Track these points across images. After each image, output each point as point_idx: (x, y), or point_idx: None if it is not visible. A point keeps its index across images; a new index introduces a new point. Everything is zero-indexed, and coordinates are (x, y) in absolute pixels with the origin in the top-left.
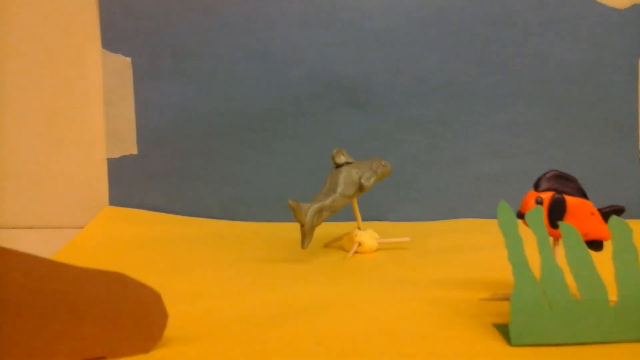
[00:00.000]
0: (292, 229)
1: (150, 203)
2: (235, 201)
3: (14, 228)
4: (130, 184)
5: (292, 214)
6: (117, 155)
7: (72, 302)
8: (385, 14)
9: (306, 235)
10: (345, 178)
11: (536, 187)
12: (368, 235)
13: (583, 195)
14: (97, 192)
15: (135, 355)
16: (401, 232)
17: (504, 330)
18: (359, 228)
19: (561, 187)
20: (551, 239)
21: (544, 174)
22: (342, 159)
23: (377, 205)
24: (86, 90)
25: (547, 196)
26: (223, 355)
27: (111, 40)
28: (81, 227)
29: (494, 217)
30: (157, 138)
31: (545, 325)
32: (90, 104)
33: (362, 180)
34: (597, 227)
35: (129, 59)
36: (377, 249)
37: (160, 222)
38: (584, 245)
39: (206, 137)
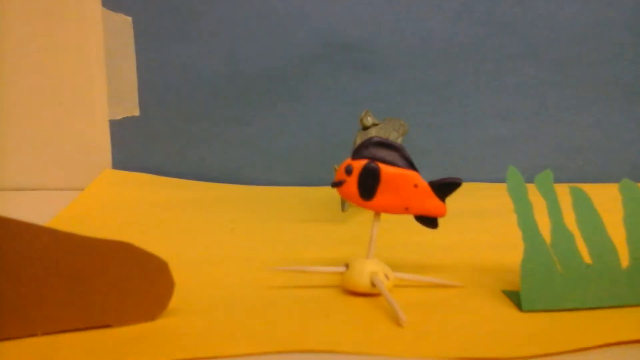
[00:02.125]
0: (295, 193)
1: (153, 165)
2: (239, 164)
3: (16, 190)
4: (133, 146)
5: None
6: (119, 117)
7: (76, 271)
8: None
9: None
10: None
11: (353, 155)
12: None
13: (410, 165)
14: (99, 154)
15: (141, 323)
16: None
17: (513, 297)
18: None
19: (382, 156)
20: (372, 213)
21: (364, 141)
22: (369, 120)
23: None
24: (87, 50)
25: (359, 164)
26: (227, 327)
27: None
28: (81, 189)
29: (500, 180)
30: (160, 99)
31: (556, 291)
32: (91, 64)
33: None
34: (423, 201)
35: (130, 18)
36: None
37: (162, 186)
38: (595, 209)
39: (209, 99)
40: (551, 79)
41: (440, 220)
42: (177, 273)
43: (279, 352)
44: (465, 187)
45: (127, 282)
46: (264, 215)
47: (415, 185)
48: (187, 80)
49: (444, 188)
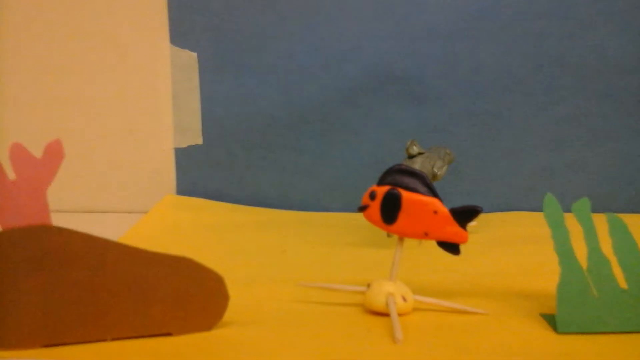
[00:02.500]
0: (345, 219)
1: (213, 191)
2: (292, 190)
3: (87, 212)
4: (196, 172)
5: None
6: (183, 145)
7: (141, 283)
8: (440, 7)
9: None
10: (421, 169)
11: (379, 181)
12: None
13: (431, 192)
14: (164, 179)
15: (198, 332)
16: None
17: (550, 320)
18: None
19: (404, 183)
20: (396, 237)
21: (389, 168)
22: (415, 149)
23: None
24: (156, 83)
25: (382, 190)
26: (279, 338)
27: (179, 36)
28: (144, 212)
29: None
30: (221, 129)
31: (591, 314)
32: (159, 96)
33: (435, 169)
34: (442, 227)
35: (195, 54)
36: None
37: (219, 210)
38: (631, 235)
39: (266, 129)
40: (600, 110)
41: (486, 247)
42: (231, 289)
43: None
44: (513, 215)
45: (186, 294)
46: (314, 239)
47: (435, 212)
48: (246, 112)
49: (464, 215)
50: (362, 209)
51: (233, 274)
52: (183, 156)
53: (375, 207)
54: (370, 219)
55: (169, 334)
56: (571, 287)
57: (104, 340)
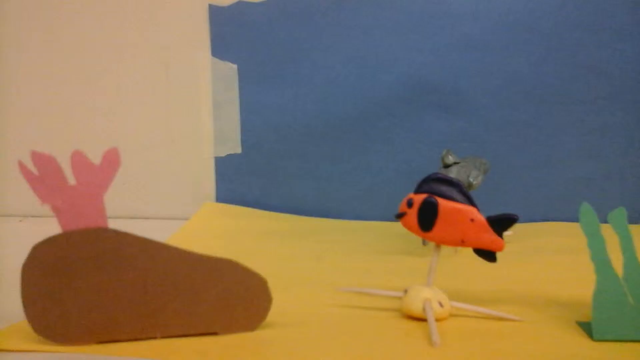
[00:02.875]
0: (380, 227)
1: (251, 199)
2: (328, 199)
3: (131, 218)
4: (235, 180)
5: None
6: (223, 154)
7: (190, 284)
8: (476, 19)
9: None
10: (457, 178)
11: (415, 189)
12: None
13: (468, 200)
14: (205, 187)
15: (242, 332)
16: None
17: (587, 328)
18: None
19: (442, 191)
20: (432, 244)
21: (426, 177)
22: (450, 159)
23: None
24: (197, 94)
25: (419, 198)
26: (319, 340)
27: (220, 49)
28: (186, 219)
29: None
30: (259, 139)
31: (627, 322)
32: (200, 106)
33: (471, 179)
34: (479, 235)
35: (235, 66)
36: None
37: (256, 218)
38: None
39: (303, 138)
40: (637, 119)
41: (522, 256)
42: (273, 293)
43: None
44: (549, 226)
45: (231, 296)
46: (349, 247)
47: (472, 220)
48: (283, 122)
49: (500, 223)
50: (400, 216)
51: (273, 279)
52: (223, 165)
53: (412, 214)
54: (407, 226)
55: (214, 334)
56: (607, 295)
57: (154, 337)
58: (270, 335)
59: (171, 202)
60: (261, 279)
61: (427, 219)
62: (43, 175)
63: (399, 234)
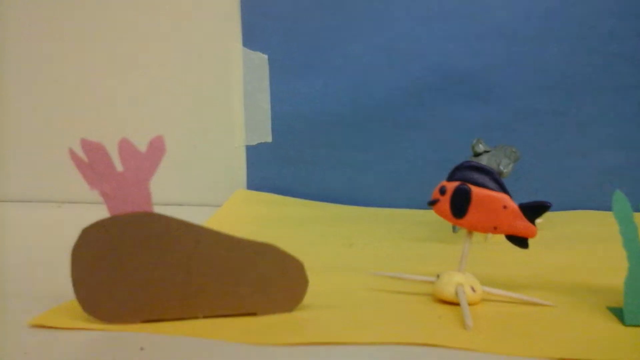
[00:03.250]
0: (410, 215)
1: (283, 186)
2: (358, 186)
3: (165, 204)
4: (265, 168)
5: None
6: (254, 142)
7: (230, 266)
8: (506, 7)
9: None
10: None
11: (449, 177)
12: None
13: (501, 188)
14: (236, 175)
15: (280, 313)
16: None
17: (618, 313)
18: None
19: (474, 179)
20: (463, 231)
21: (459, 165)
22: (481, 147)
23: None
24: (229, 84)
25: (452, 186)
26: (354, 319)
27: (251, 38)
28: (218, 205)
29: None
30: (290, 127)
31: None
32: (232, 96)
33: (501, 167)
34: (511, 222)
35: (266, 56)
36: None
37: (287, 205)
38: None
39: (333, 127)
40: None
41: (553, 244)
42: (308, 276)
43: (390, 344)
44: (580, 214)
45: (270, 278)
46: (380, 234)
47: (504, 207)
48: (314, 110)
49: (533, 210)
50: (433, 203)
51: (307, 263)
52: (254, 153)
53: (445, 201)
54: (440, 212)
55: (253, 314)
56: (639, 281)
57: (196, 317)
58: (307, 316)
59: (204, 189)
60: (298, 262)
61: (460, 205)
62: (92, 162)
63: (428, 221)
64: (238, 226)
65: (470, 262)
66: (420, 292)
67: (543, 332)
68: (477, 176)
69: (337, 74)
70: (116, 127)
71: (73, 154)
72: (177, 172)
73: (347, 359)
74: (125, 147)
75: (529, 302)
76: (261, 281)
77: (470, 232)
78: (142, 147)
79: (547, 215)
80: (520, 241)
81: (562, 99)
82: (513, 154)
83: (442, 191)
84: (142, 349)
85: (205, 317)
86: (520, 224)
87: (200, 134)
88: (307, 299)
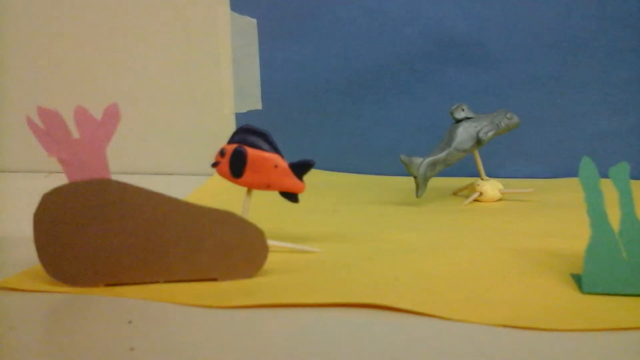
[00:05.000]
0: (401, 182)
1: None
2: (349, 154)
3: (154, 174)
4: None
5: (405, 168)
6: (244, 110)
7: (190, 233)
8: None
9: (419, 186)
10: (462, 132)
11: (229, 140)
12: (490, 185)
13: (273, 149)
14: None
15: (240, 279)
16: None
17: (579, 280)
18: (482, 179)
19: (250, 141)
20: (245, 189)
21: (238, 128)
22: (461, 114)
23: (486, 161)
24: (216, 49)
25: (230, 148)
26: (310, 283)
27: (239, 3)
28: (210, 175)
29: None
30: (280, 94)
31: (619, 276)
32: (220, 62)
33: (480, 134)
34: (282, 179)
35: (255, 20)
36: (500, 199)
37: None
38: None
39: (324, 94)
40: None
41: (536, 211)
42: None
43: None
44: (570, 181)
45: (230, 244)
46: (366, 200)
47: (276, 166)
48: (304, 77)
49: (300, 168)
50: (215, 165)
51: (283, 231)
52: (243, 121)
53: (225, 163)
54: (221, 173)
55: (214, 279)
56: (600, 249)
57: (157, 282)
58: (265, 281)
59: (193, 158)
60: (257, 229)
61: (237, 166)
62: (49, 129)
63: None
64: (228, 193)
65: (447, 228)
66: (377, 254)
67: (493, 297)
68: (253, 138)
69: (328, 39)
70: (99, 95)
71: (30, 122)
72: (165, 140)
73: (293, 319)
74: (81, 114)
75: (299, 250)
76: (221, 248)
77: (249, 190)
78: (131, 116)
79: (540, 182)
80: (291, 196)
81: (556, 63)
82: (505, 120)
83: (222, 154)
84: (130, 322)
85: (166, 281)
86: (290, 181)
87: (188, 102)
88: (269, 265)
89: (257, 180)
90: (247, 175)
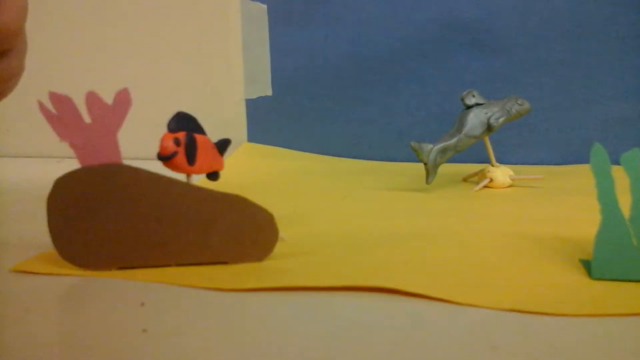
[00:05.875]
0: (412, 168)
1: (282, 141)
2: (359, 141)
3: None
4: (266, 123)
5: (415, 154)
6: (254, 96)
7: (201, 217)
8: None
9: (429, 172)
10: (472, 119)
11: (169, 128)
12: (500, 171)
13: (202, 131)
14: (236, 129)
15: (250, 262)
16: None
17: (588, 266)
18: (492, 165)
19: (188, 126)
20: (185, 176)
21: (174, 115)
22: (472, 100)
23: (497, 148)
24: (227, 36)
25: (181, 136)
26: (320, 267)
27: None
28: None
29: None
30: (290, 80)
31: (629, 262)
32: (230, 49)
33: (491, 121)
34: (218, 160)
35: (265, 6)
36: (510, 186)
37: (291, 158)
38: None
39: (334, 80)
40: None
41: (547, 197)
42: (288, 228)
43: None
44: (582, 168)
45: (240, 228)
46: (376, 186)
47: (213, 147)
48: (314, 63)
49: (222, 146)
50: (172, 157)
51: (294, 214)
52: (254, 107)
53: (182, 152)
54: (177, 164)
55: (224, 263)
56: (610, 235)
57: (169, 265)
58: (275, 264)
59: None
60: (268, 214)
61: (191, 154)
62: (61, 115)
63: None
64: (242, 177)
65: (456, 214)
66: (387, 239)
67: (502, 282)
68: (188, 124)
69: (338, 25)
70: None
71: (42, 107)
72: None
73: (304, 302)
74: (92, 99)
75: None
76: (231, 231)
77: (189, 176)
78: (140, 102)
79: (551, 169)
80: (214, 175)
81: (569, 49)
82: (516, 106)
83: (178, 142)
84: (142, 304)
85: (177, 264)
86: (220, 160)
87: (199, 88)
88: (280, 248)
89: (206, 164)
90: (199, 161)
